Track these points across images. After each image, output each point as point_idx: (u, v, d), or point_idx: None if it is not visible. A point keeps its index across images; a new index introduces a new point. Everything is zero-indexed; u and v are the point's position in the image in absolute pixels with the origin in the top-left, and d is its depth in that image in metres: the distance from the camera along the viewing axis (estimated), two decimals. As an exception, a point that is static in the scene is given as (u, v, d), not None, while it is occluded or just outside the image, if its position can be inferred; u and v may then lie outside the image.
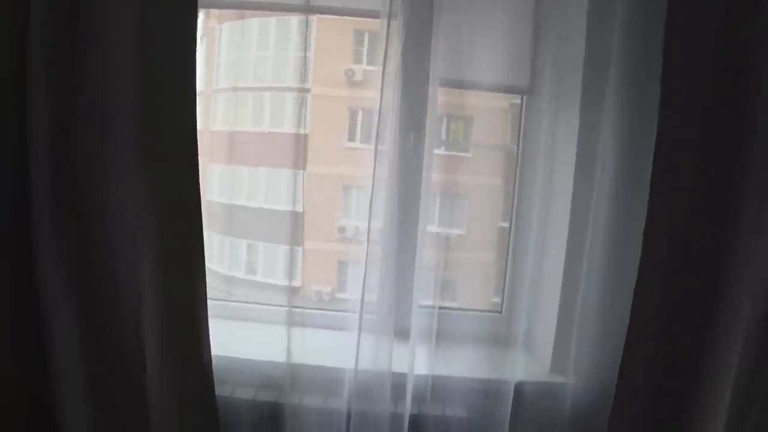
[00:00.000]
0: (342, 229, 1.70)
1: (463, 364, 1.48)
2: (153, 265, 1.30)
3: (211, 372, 1.35)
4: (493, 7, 1.44)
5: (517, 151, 1.59)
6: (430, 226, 1.46)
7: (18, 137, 1.26)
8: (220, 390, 1.37)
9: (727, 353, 1.31)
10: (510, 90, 1.53)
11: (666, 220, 1.30)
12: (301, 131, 1.45)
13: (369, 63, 1.62)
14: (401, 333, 1.43)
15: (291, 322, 1.43)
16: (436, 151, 1.46)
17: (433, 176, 1.43)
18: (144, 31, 1.25)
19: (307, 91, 1.47)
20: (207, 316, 1.34)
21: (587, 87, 1.41)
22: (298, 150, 1.44)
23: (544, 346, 1.52)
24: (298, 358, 1.43)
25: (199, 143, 1.28)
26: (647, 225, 1.29)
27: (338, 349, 1.44)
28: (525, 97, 1.57)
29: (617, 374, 1.32)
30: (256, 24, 1.57)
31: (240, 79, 1.54)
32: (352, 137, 1.68)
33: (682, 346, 1.32)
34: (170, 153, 1.28)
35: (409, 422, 1.42)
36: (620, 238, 1.39)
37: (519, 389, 1.44)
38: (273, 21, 1.58)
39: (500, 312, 1.63)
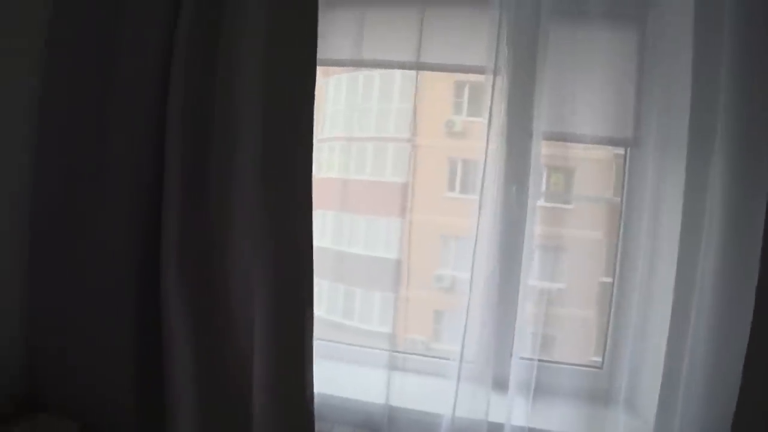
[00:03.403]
0: (439, 278, 1.80)
1: (562, 419, 1.54)
2: (266, 304, 1.48)
3: (313, 408, 1.50)
4: (595, 60, 1.55)
5: (621, 204, 1.64)
6: (532, 279, 1.55)
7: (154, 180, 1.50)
8: (320, 426, 1.51)
9: None
10: (613, 142, 1.61)
11: None
12: (405, 180, 1.62)
13: (469, 114, 1.73)
14: (499, 383, 1.52)
15: (391, 366, 1.58)
16: (546, 201, 1.57)
17: (539, 228, 1.53)
18: (268, 86, 1.46)
19: (409, 141, 1.64)
20: (312, 354, 1.49)
21: (694, 138, 1.46)
22: (402, 199, 1.62)
23: (647, 406, 1.54)
24: (397, 400, 1.56)
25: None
26: (760, 282, 1.34)
27: (435, 394, 1.55)
28: (629, 149, 1.64)
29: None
30: (361, 78, 1.73)
31: (345, 129, 1.72)
32: (451, 187, 1.78)
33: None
34: (287, 199, 1.47)
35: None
36: (730, 296, 1.42)
37: (621, 450, 1.47)
38: (377, 75, 1.74)
39: (600, 368, 1.67)
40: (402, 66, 1.62)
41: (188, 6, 1.48)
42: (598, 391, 1.59)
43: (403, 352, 1.68)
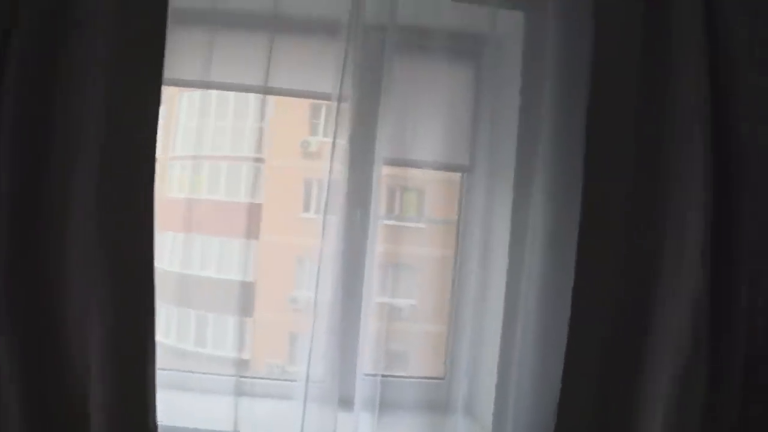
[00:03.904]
0: (294, 300, 1.82)
1: (407, 431, 1.62)
2: (103, 333, 1.41)
3: (156, 436, 1.45)
4: (436, 92, 1.67)
5: (458, 224, 1.78)
6: (381, 297, 1.63)
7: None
8: (167, 457, 1.46)
9: (653, 410, 1.49)
10: (451, 168, 1.74)
11: (592, 286, 1.51)
12: (256, 201, 1.63)
13: (326, 135, 1.71)
14: (346, 401, 1.56)
15: (238, 391, 1.56)
16: (387, 223, 1.65)
17: (380, 248, 1.60)
18: (110, 104, 1.42)
19: (263, 161, 1.66)
20: (155, 379, 1.44)
21: (520, 165, 1.65)
22: (252, 219, 1.62)
23: (484, 412, 1.67)
24: (245, 427, 1.55)
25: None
26: (575, 292, 1.51)
27: (284, 417, 1.56)
28: (465, 174, 1.78)
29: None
30: (215, 95, 1.70)
31: (197, 147, 1.66)
32: (306, 208, 1.82)
33: (612, 405, 1.51)
34: (128, 220, 1.42)
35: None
36: (553, 305, 1.58)
37: (461, 454, 1.57)
38: (231, 93, 1.73)
39: (443, 379, 1.77)
40: (250, 90, 1.64)
41: (27, 8, 1.40)
42: (440, 402, 1.68)
43: (252, 377, 1.67)
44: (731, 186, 1.54)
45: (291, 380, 1.63)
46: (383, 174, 1.60)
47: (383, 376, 1.60)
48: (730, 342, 1.53)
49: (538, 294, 1.61)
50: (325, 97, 1.62)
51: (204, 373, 1.72)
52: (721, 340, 1.51)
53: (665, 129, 1.54)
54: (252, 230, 1.64)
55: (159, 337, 1.47)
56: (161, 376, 1.47)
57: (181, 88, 1.71)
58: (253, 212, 1.64)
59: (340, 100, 1.58)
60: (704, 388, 1.48)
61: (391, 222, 1.70)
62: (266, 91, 1.61)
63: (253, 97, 1.69)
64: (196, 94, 1.70)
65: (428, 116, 1.67)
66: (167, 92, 1.49)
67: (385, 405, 1.59)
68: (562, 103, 1.63)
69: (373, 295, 1.60)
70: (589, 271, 1.52)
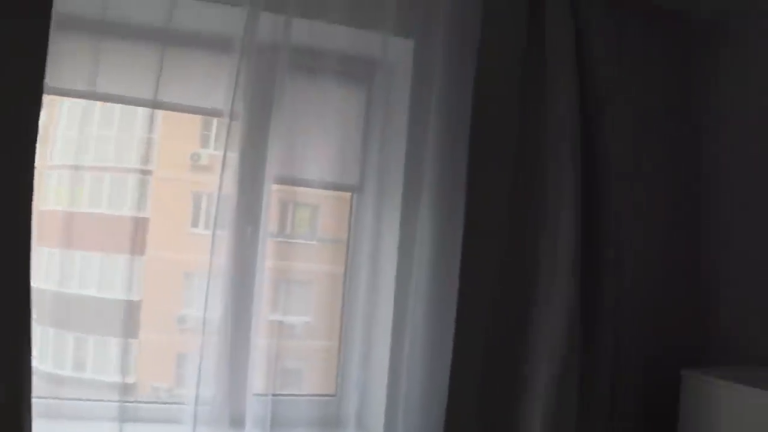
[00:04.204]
0: (182, 319, 1.76)
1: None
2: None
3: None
4: (327, 113, 1.71)
5: (348, 242, 1.82)
6: (273, 314, 1.63)
7: None
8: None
9: (533, 409, 1.61)
10: (341, 188, 1.79)
11: (475, 295, 1.61)
12: (141, 215, 1.58)
13: (217, 148, 1.69)
14: (237, 422, 1.55)
15: (123, 417, 1.50)
16: (279, 240, 1.66)
17: (273, 265, 1.61)
18: None
19: (150, 173, 1.62)
20: (31, 412, 1.36)
21: (408, 184, 1.73)
22: (137, 234, 1.56)
23: (376, 424, 1.72)
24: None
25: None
26: (459, 302, 1.60)
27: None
28: (355, 194, 1.83)
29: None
30: (99, 102, 1.63)
31: (78, 156, 1.59)
32: (195, 223, 1.78)
33: (496, 408, 1.62)
34: (2, 234, 1.34)
35: None
36: (437, 319, 1.67)
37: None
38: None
39: (334, 395, 1.79)
40: (137, 103, 1.60)
41: None
42: (332, 417, 1.72)
43: (137, 401, 1.61)
44: (598, 191, 1.71)
45: (179, 403, 1.59)
46: (275, 190, 1.61)
47: (274, 395, 1.60)
48: (601, 343, 1.69)
49: (425, 309, 1.68)
50: (216, 113, 1.61)
51: (84, 400, 1.63)
52: (593, 341, 1.67)
53: (540, 136, 1.69)
54: (137, 246, 1.58)
55: (34, 362, 1.39)
56: (37, 405, 1.39)
57: (62, 96, 1.62)
58: (139, 226, 1.59)
59: (231, 117, 1.57)
60: (578, 387, 1.63)
61: (283, 239, 1.71)
62: (155, 105, 1.57)
63: (141, 107, 1.64)
64: (80, 100, 1.62)
65: (319, 136, 1.70)
66: (46, 98, 1.42)
67: (276, 423, 1.59)
68: (449, 126, 1.73)
69: (264, 313, 1.60)
70: (472, 280, 1.62)
